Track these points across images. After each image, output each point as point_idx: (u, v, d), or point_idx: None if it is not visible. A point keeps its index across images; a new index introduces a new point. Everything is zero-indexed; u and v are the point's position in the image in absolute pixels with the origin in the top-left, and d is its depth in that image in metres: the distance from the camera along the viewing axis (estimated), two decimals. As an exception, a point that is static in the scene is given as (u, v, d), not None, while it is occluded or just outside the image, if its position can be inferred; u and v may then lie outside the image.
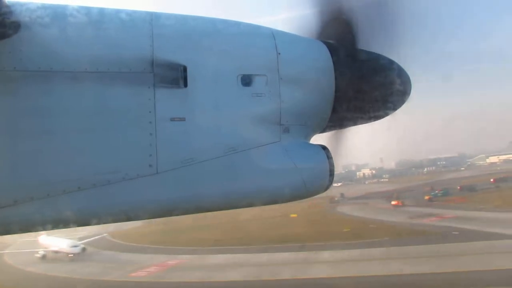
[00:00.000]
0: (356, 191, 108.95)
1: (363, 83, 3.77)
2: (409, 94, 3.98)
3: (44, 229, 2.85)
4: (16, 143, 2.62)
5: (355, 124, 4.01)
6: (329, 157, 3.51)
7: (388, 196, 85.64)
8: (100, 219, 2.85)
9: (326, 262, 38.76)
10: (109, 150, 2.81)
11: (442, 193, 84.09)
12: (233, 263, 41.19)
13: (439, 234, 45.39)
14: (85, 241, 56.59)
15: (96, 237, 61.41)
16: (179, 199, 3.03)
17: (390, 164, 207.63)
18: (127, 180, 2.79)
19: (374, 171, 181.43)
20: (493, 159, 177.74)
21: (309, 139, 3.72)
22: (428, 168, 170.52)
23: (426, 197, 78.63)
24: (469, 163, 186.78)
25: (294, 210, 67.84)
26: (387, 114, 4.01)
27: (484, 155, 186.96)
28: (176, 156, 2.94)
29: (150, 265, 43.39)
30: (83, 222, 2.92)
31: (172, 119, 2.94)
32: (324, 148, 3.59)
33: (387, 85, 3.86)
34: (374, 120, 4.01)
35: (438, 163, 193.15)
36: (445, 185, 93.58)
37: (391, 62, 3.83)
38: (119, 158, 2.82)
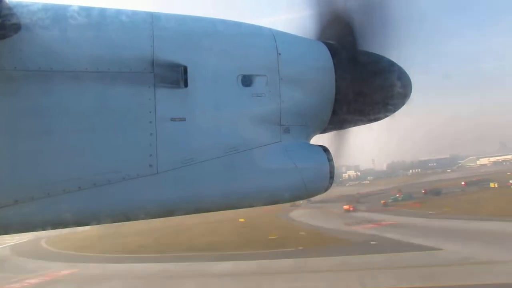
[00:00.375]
0: (329, 193, 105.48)
1: (363, 84, 3.75)
2: (409, 95, 3.96)
3: (44, 229, 2.84)
4: (17, 142, 2.62)
5: (355, 125, 4.00)
6: (329, 157, 3.52)
7: (351, 200, 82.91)
8: (100, 219, 2.87)
9: (199, 276, 35.77)
10: (109, 150, 2.81)
11: (403, 197, 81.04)
12: (117, 274, 38.39)
13: (356, 244, 42.11)
14: (10, 244, 54.58)
15: (24, 240, 59.38)
16: (179, 199, 3.03)
17: (382, 165, 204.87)
18: (127, 180, 2.79)
19: (359, 173, 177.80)
20: (483, 160, 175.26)
21: (310, 140, 3.73)
22: (415, 170, 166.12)
23: (382, 202, 75.18)
24: (460, 164, 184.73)
25: (246, 214, 65.20)
26: (387, 115, 3.99)
27: (474, 157, 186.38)
28: (176, 156, 2.95)
29: (42, 275, 40.80)
30: (83, 222, 2.91)
31: (173, 119, 2.95)
32: (324, 148, 3.61)
33: (388, 86, 3.85)
34: (374, 121, 4.00)
35: (429, 164, 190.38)
36: (419, 188, 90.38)
37: (392, 63, 3.84)
38: (119, 158, 2.82)
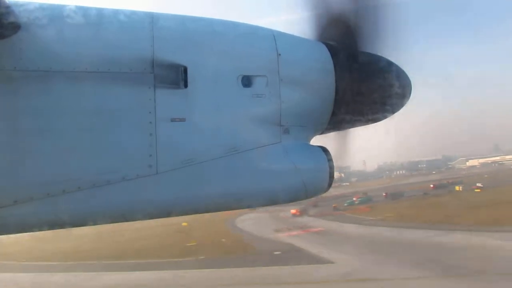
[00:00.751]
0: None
1: (363, 85, 3.74)
2: (409, 96, 3.97)
3: (43, 229, 2.84)
4: (16, 142, 2.61)
5: (354, 126, 3.99)
6: (329, 158, 3.50)
7: (312, 203, 80.00)
8: (100, 220, 2.87)
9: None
10: (109, 150, 2.79)
11: (360, 200, 77.95)
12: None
13: (259, 254, 39.71)
14: None
15: None
16: (179, 200, 3.01)
17: (373, 166, 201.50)
18: (127, 181, 2.77)
19: (342, 174, 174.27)
20: (472, 162, 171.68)
21: (309, 141, 3.71)
22: (399, 172, 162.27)
23: (333, 205, 72.12)
24: (450, 166, 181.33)
25: (194, 218, 62.94)
26: (387, 116, 3.99)
27: (464, 158, 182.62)
28: (176, 157, 2.92)
29: None
30: (82, 222, 2.91)
31: (173, 120, 2.92)
32: (324, 149, 3.58)
33: (387, 87, 3.82)
34: (374, 122, 3.99)
35: (419, 166, 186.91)
36: (393, 190, 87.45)
37: (392, 64, 3.84)
38: (119, 158, 2.81)
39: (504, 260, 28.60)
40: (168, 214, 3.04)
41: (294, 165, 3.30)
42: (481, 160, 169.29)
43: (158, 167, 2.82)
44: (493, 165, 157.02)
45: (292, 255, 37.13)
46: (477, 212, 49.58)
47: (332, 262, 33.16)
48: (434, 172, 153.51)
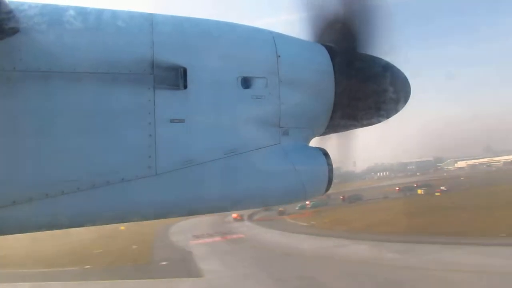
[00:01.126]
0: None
1: (363, 86, 3.74)
2: (408, 97, 3.97)
3: (42, 230, 2.83)
4: (16, 143, 2.58)
5: (354, 127, 3.99)
6: (328, 160, 3.49)
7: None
8: (99, 220, 2.89)
9: None
10: (108, 151, 2.78)
11: (313, 204, 74.26)
12: None
13: (148, 264, 36.98)
14: None
15: None
16: (178, 201, 3.00)
17: (363, 167, 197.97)
18: (126, 182, 2.75)
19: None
20: (461, 163, 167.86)
21: (309, 142, 3.70)
22: (382, 174, 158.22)
23: (280, 209, 68.97)
24: (439, 167, 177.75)
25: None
26: (388, 117, 3.98)
27: (453, 160, 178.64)
28: (175, 158, 2.90)
29: None
30: (81, 223, 2.91)
31: (172, 121, 2.90)
32: (323, 151, 3.57)
33: (387, 88, 3.80)
34: (373, 124, 3.99)
35: (408, 167, 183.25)
36: (366, 193, 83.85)
37: (391, 66, 3.86)
38: (118, 159, 2.79)
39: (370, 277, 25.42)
40: (167, 215, 3.08)
41: (293, 166, 3.30)
42: (470, 162, 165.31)
43: (157, 168, 2.79)
44: (481, 166, 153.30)
45: (175, 267, 34.37)
46: (408, 219, 45.94)
47: (200, 276, 30.25)
48: (418, 174, 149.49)
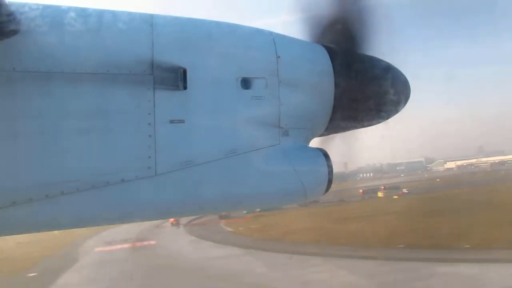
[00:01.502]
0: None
1: (363, 87, 3.74)
2: (408, 98, 3.96)
3: (42, 231, 2.82)
4: (16, 144, 2.60)
5: (354, 128, 3.99)
6: (328, 160, 3.49)
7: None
8: (99, 221, 2.92)
9: None
10: (108, 152, 2.78)
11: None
12: None
13: (20, 274, 33.57)
14: None
15: None
16: (177, 202, 3.02)
17: (353, 168, 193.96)
18: (126, 182, 2.76)
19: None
20: (450, 164, 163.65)
21: (309, 143, 3.71)
22: (365, 175, 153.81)
23: (221, 214, 65.30)
24: (428, 168, 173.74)
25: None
26: (388, 118, 3.98)
27: (442, 160, 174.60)
28: (175, 158, 2.91)
29: None
30: (81, 223, 2.92)
31: (172, 121, 2.91)
32: (323, 151, 3.57)
33: (388, 88, 3.81)
34: (373, 124, 4.00)
35: (397, 168, 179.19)
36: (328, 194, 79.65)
37: (391, 66, 3.85)
38: (118, 159, 2.80)
39: None
40: (167, 216, 3.16)
41: (293, 167, 3.30)
42: (459, 163, 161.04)
43: (157, 168, 2.80)
44: (469, 167, 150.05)
45: (38, 279, 31.43)
46: (337, 227, 42.21)
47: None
48: (402, 175, 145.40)
